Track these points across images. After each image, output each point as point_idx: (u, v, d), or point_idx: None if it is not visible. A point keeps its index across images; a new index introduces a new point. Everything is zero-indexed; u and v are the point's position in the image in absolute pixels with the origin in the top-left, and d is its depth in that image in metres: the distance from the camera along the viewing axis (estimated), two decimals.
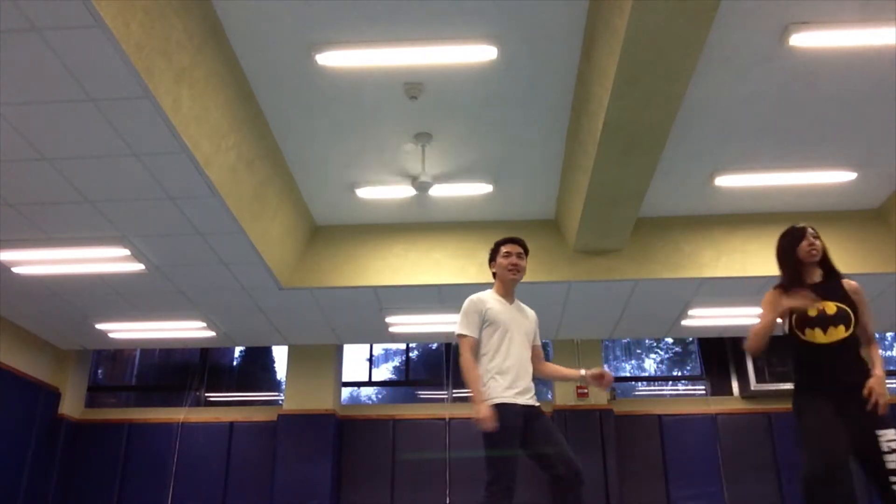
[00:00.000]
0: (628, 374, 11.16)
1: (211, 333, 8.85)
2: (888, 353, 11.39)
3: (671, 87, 4.80)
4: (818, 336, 3.22)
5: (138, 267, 6.97)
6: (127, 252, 6.69)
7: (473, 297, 3.75)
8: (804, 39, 4.89)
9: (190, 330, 8.74)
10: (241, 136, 5.73)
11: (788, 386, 8.91)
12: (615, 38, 4.45)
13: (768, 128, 6.02)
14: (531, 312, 3.84)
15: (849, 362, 3.20)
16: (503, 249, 3.83)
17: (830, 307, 3.25)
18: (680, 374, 11.30)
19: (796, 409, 3.25)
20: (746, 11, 4.73)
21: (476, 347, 3.61)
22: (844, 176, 6.68)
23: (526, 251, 3.87)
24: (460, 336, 3.64)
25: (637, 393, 10.64)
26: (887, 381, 9.03)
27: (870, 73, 5.34)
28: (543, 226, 7.59)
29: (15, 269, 6.95)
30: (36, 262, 6.85)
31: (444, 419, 9.22)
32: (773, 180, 6.76)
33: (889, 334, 10.96)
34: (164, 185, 5.65)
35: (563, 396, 9.11)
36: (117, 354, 10.96)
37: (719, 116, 5.86)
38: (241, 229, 6.23)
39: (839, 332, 3.20)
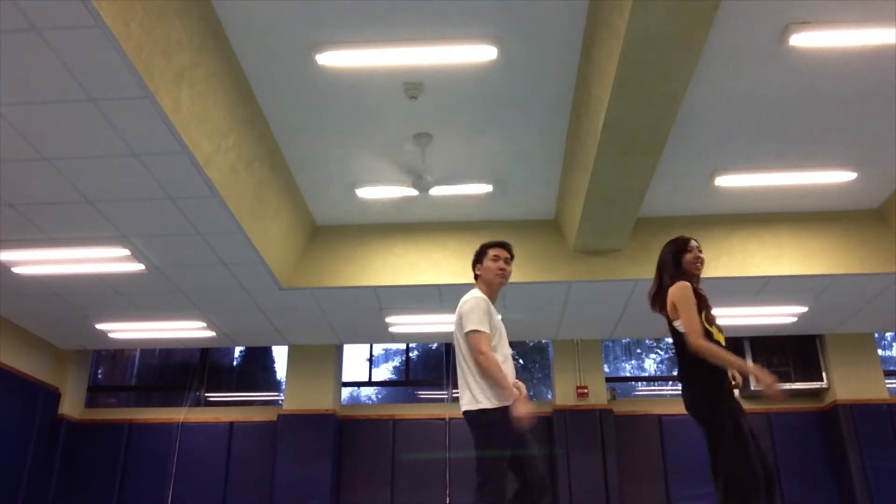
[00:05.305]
0: (628, 374, 11.16)
1: (211, 333, 8.85)
2: (888, 352, 11.38)
3: (671, 87, 4.80)
4: (718, 335, 3.51)
5: (138, 267, 6.97)
6: (127, 252, 6.69)
7: (478, 295, 3.62)
8: (804, 39, 4.89)
9: (190, 330, 8.74)
10: (241, 136, 5.73)
11: (788, 386, 8.98)
12: (615, 38, 4.45)
13: (768, 128, 6.02)
14: None
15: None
16: (491, 252, 3.74)
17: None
18: None
19: (726, 413, 3.47)
20: (746, 11, 4.73)
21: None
22: (844, 176, 6.68)
23: (512, 257, 3.82)
24: (477, 332, 3.43)
25: (637, 393, 10.63)
26: (888, 381, 9.10)
27: (870, 73, 5.34)
28: (543, 226, 7.59)
29: (15, 269, 6.95)
30: (36, 262, 6.85)
31: (444, 419, 9.21)
32: (773, 180, 6.76)
33: (889, 334, 10.95)
34: (164, 185, 5.65)
35: (563, 396, 9.10)
36: (117, 354, 10.96)
37: (719, 116, 5.86)
38: (241, 229, 6.23)
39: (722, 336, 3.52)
